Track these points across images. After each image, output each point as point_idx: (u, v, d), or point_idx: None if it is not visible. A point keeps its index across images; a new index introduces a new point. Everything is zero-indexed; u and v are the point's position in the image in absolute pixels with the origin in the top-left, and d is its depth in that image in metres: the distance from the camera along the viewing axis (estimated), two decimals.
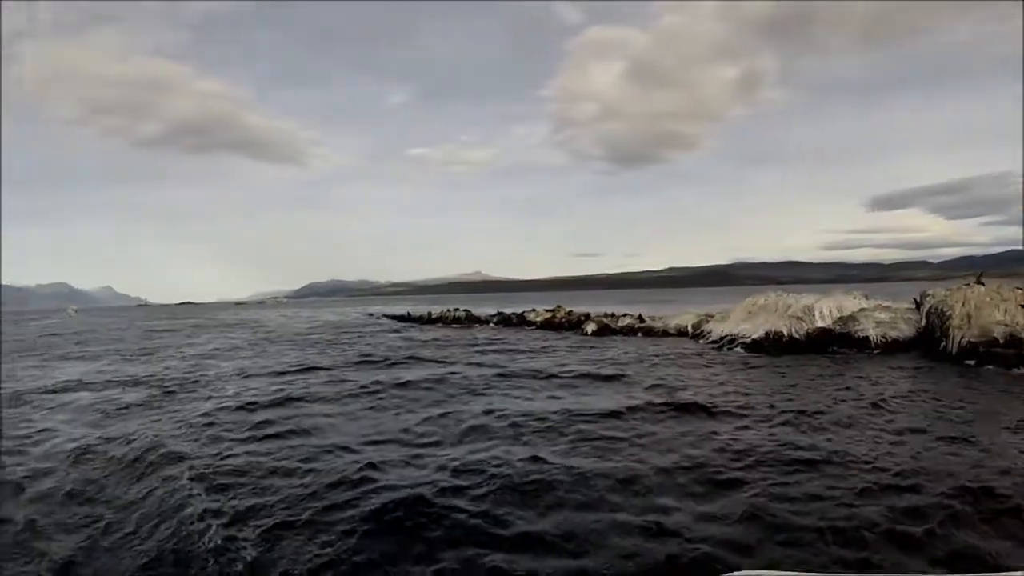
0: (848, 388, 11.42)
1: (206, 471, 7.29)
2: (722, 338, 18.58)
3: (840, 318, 16.56)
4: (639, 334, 23.88)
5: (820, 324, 16.46)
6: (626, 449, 7.86)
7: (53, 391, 14.31)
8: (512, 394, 12.37)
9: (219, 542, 5.29)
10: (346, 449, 8.20)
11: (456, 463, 7.36)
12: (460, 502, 6.02)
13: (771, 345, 16.36)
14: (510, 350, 20.72)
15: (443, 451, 8.06)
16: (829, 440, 7.90)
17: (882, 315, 16.45)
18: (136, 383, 15.35)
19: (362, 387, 13.58)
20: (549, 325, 29.85)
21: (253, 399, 12.24)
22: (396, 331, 33.70)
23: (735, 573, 2.30)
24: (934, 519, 5.24)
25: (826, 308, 16.89)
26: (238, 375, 16.34)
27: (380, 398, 12.39)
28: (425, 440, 8.71)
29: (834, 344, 16.07)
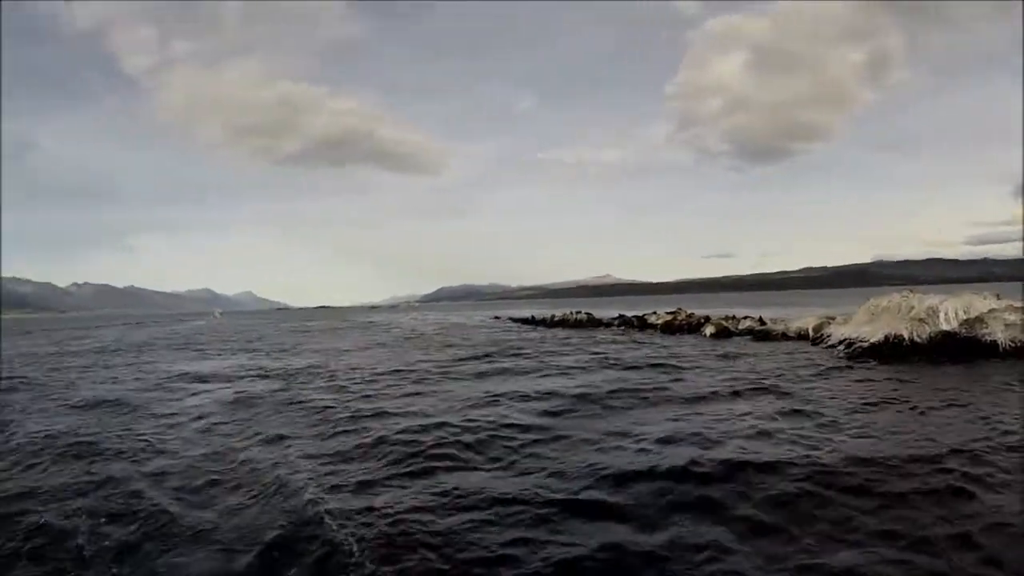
0: (940, 395, 10.57)
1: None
2: (841, 342, 17.97)
3: (966, 320, 15.53)
4: (758, 337, 23.45)
5: (944, 327, 15.54)
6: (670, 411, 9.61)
7: (193, 379, 16.98)
8: (601, 375, 14.30)
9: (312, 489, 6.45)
10: (431, 411, 10.37)
11: (521, 413, 9.83)
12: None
13: (890, 350, 15.61)
14: (617, 346, 21.69)
15: (516, 407, 10.41)
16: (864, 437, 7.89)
17: (1012, 316, 15.18)
18: (271, 373, 17.83)
19: (469, 373, 15.73)
20: (669, 328, 29.71)
21: (364, 388, 14.20)
22: (516, 332, 35.14)
23: None
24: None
25: (951, 309, 15.88)
26: (360, 367, 18.47)
27: (480, 380, 14.59)
28: (507, 400, 11.27)
29: (959, 349, 15.00)
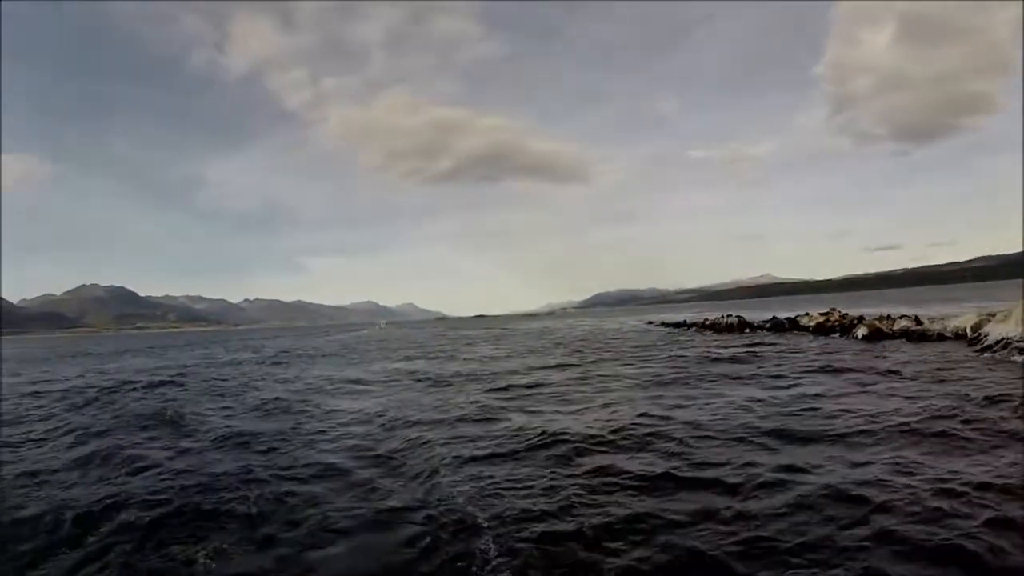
0: None
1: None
2: (998, 342, 16.37)
3: None
4: (913, 338, 21.55)
5: None
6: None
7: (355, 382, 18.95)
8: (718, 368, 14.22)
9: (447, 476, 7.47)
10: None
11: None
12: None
13: None
14: (754, 346, 21.21)
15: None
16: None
17: None
18: (430, 375, 19.66)
19: (596, 376, 16.82)
20: (821, 329, 28.08)
21: (504, 384, 15.96)
22: (665, 336, 34.60)
23: None
24: None
25: None
26: (500, 371, 19.82)
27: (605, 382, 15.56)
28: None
29: None
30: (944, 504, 5.33)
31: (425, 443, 9.00)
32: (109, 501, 6.57)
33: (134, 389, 18.32)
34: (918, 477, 6.11)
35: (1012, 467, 6.24)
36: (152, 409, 13.45)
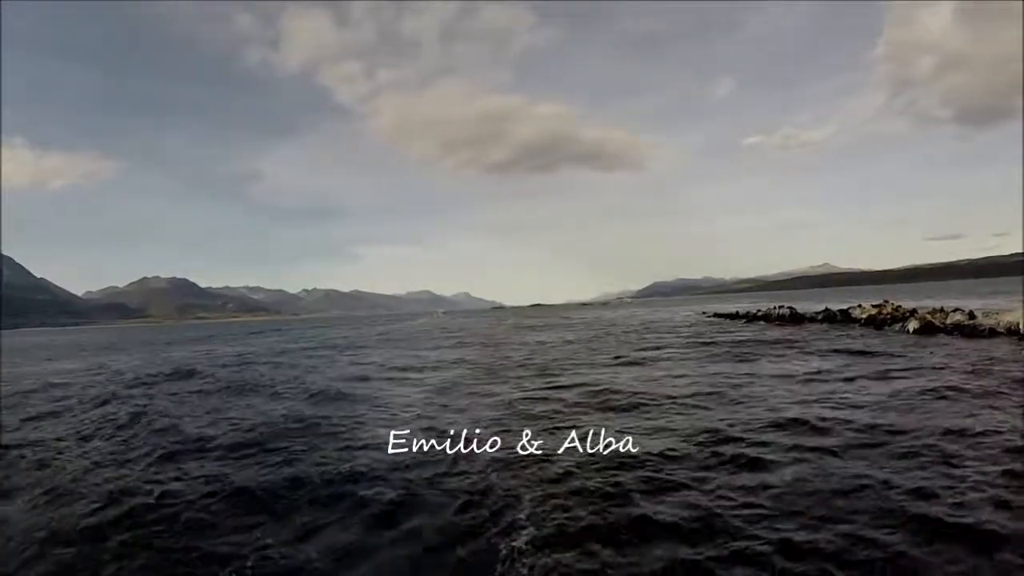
0: None
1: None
2: None
3: None
4: (965, 332, 20.52)
5: None
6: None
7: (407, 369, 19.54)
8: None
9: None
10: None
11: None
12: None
13: None
14: (795, 336, 20.45)
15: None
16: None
17: None
18: (494, 359, 20.54)
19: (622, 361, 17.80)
20: (872, 321, 27.08)
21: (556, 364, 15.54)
22: (713, 327, 33.77)
23: None
24: None
25: None
26: (554, 355, 19.83)
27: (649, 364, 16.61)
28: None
29: None
30: None
31: (481, 404, 11.37)
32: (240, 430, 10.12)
33: (223, 366, 20.53)
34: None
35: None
36: (241, 381, 16.58)
